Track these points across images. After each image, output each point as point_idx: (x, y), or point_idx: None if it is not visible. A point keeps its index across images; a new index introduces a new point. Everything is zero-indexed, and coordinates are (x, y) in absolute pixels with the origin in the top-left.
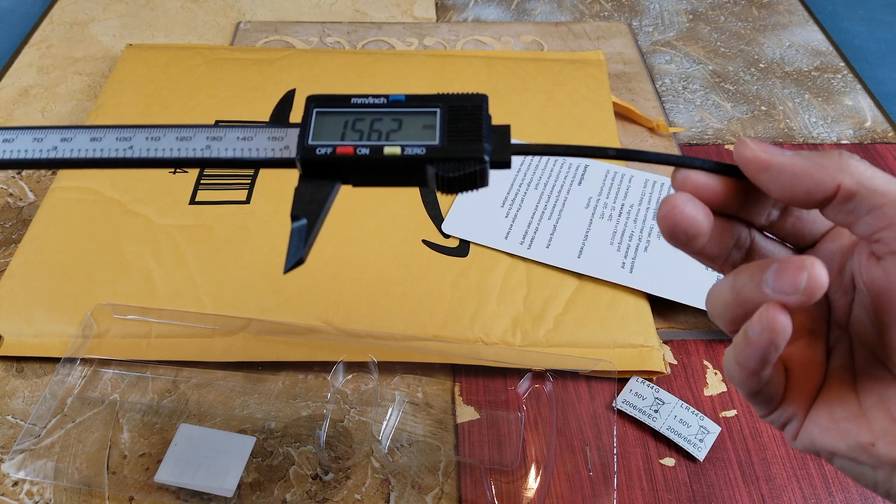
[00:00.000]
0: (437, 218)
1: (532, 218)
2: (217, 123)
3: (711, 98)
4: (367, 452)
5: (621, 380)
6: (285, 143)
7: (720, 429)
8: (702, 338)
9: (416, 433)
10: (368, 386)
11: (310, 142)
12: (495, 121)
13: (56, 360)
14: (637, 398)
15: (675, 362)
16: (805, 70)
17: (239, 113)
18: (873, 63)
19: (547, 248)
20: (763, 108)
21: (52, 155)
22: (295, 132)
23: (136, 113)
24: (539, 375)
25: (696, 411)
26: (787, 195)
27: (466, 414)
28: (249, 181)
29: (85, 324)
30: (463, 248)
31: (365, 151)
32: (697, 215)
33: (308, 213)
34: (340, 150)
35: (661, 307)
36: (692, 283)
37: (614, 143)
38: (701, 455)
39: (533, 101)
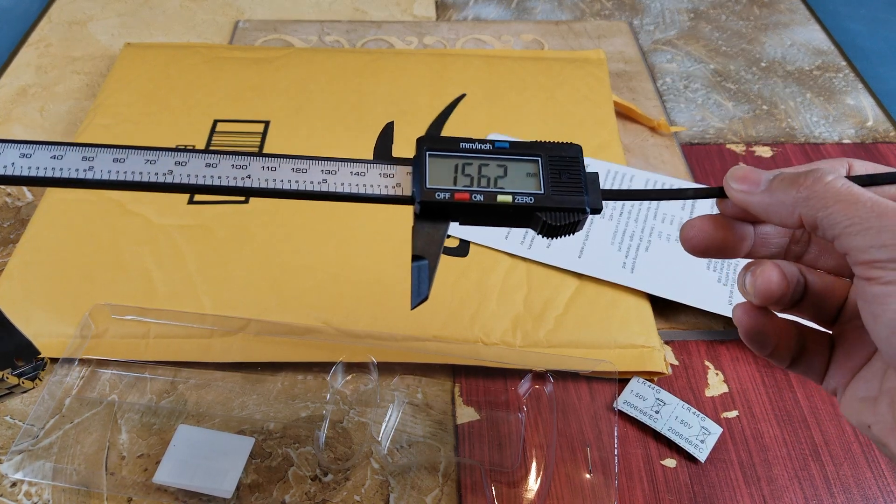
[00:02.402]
0: None
1: None
2: (217, 123)
3: (713, 97)
4: (367, 453)
5: (622, 380)
6: (396, 180)
7: (721, 430)
8: (703, 338)
9: (416, 434)
10: (368, 387)
11: (428, 185)
12: (494, 121)
13: (54, 361)
14: (638, 399)
15: (677, 363)
16: (807, 69)
17: (238, 112)
18: (875, 62)
19: (547, 248)
20: (764, 107)
21: (165, 179)
22: (403, 169)
23: (134, 112)
24: (539, 376)
25: (698, 412)
26: (776, 224)
27: (466, 415)
28: None
29: (83, 324)
30: (463, 248)
31: (479, 198)
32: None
33: (427, 252)
34: (458, 196)
35: (662, 307)
36: (693, 283)
37: (615, 143)
38: (702, 456)
39: (533, 101)
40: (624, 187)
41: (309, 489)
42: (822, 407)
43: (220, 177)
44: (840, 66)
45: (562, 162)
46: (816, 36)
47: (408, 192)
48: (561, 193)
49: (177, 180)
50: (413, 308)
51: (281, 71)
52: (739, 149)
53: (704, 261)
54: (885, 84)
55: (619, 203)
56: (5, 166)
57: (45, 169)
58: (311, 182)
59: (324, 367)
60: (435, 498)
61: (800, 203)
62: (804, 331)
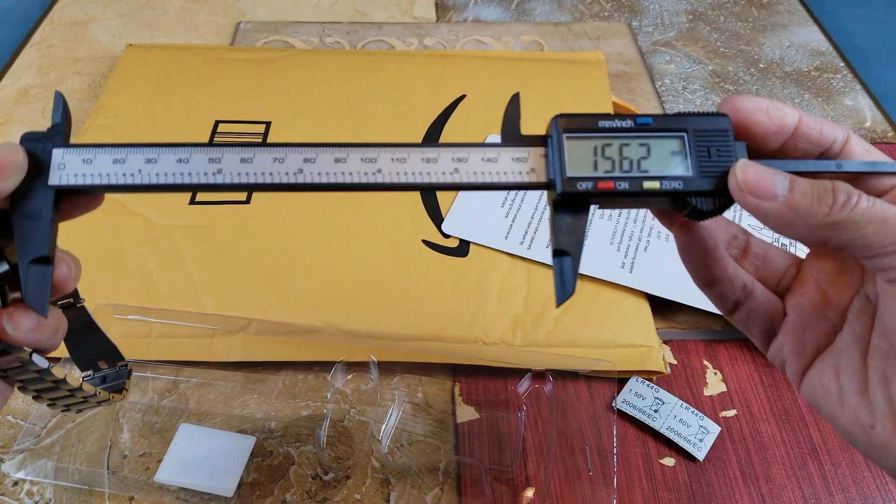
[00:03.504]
0: (437, 218)
1: (532, 218)
2: (219, 124)
3: (711, 98)
4: (367, 452)
5: (621, 380)
6: (529, 164)
7: (720, 429)
8: (701, 338)
9: (416, 433)
10: (368, 386)
11: (569, 174)
12: (494, 122)
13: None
14: (637, 398)
15: (675, 362)
16: (805, 70)
17: (239, 113)
18: (873, 63)
19: (547, 248)
20: None
21: (295, 179)
22: (536, 151)
23: (136, 113)
24: (539, 375)
25: (696, 411)
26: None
27: (466, 414)
28: None
29: None
30: (463, 248)
31: (625, 186)
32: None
33: (571, 245)
34: (602, 186)
35: (661, 307)
36: (692, 282)
37: None
38: (701, 455)
39: (533, 102)
40: None
41: (310, 488)
42: None
43: (350, 172)
44: (838, 67)
45: (709, 136)
46: (815, 37)
47: (542, 177)
48: (711, 174)
49: (308, 180)
50: (559, 305)
51: (282, 72)
52: None
53: None
54: (884, 85)
55: None
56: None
57: (108, 175)
58: (443, 172)
59: (324, 367)
60: (435, 496)
61: (828, 227)
62: (752, 284)
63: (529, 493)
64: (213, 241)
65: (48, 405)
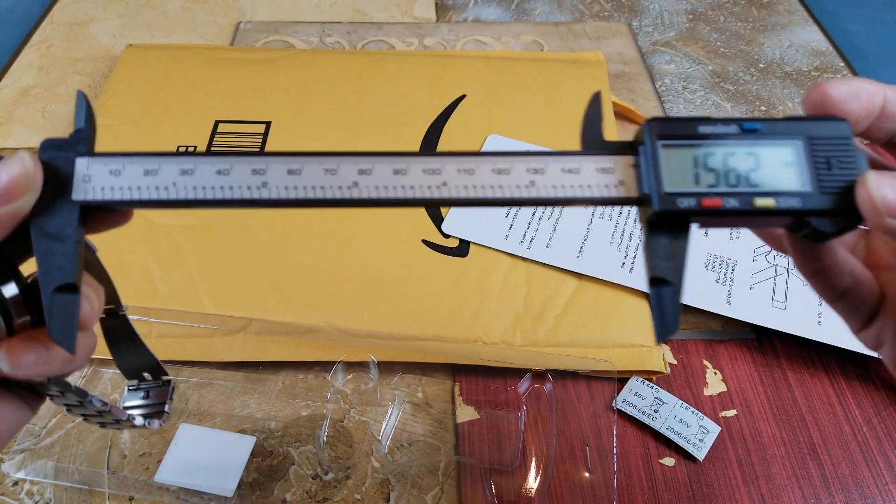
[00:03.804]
0: (437, 218)
1: (532, 218)
2: (219, 124)
3: (711, 98)
4: (367, 452)
5: (621, 380)
6: (617, 176)
7: (720, 428)
8: (701, 338)
9: (416, 433)
10: (368, 386)
11: (667, 189)
12: (494, 122)
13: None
14: (637, 398)
15: (675, 362)
16: (805, 70)
17: (239, 113)
18: (873, 63)
19: (547, 248)
20: (763, 108)
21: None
22: (623, 161)
23: (136, 113)
24: (539, 375)
25: (696, 411)
26: None
27: (466, 414)
28: None
29: None
30: (463, 248)
31: (734, 203)
32: None
33: (670, 272)
34: (707, 203)
35: None
36: (691, 283)
37: None
38: (701, 455)
39: (533, 102)
40: None
41: (310, 488)
42: (820, 406)
43: (411, 186)
44: (838, 67)
45: (827, 144)
46: (815, 37)
47: (633, 191)
48: (832, 189)
49: (396, 195)
50: (660, 343)
51: (282, 72)
52: None
53: (702, 260)
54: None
55: None
56: (103, 188)
57: (139, 189)
58: (517, 186)
59: (324, 367)
60: (435, 496)
61: None
62: (860, 269)
63: (529, 493)
64: (214, 241)
65: (82, 419)
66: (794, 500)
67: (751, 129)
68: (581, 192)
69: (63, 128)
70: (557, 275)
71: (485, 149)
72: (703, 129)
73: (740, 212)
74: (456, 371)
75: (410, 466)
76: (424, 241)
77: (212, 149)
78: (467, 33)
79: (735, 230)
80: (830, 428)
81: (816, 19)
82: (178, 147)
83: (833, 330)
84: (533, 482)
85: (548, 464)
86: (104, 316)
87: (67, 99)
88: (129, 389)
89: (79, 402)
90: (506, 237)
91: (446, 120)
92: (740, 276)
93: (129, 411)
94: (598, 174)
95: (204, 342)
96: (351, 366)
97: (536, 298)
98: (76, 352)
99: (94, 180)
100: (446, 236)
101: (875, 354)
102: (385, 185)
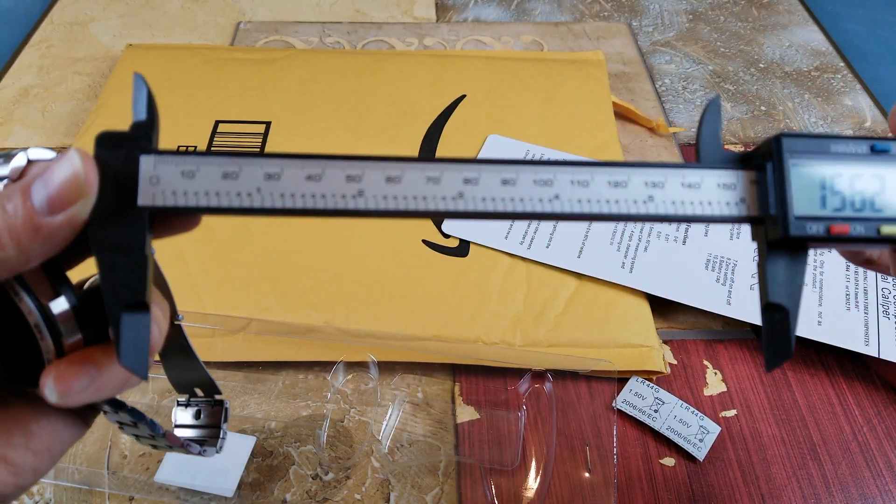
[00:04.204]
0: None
1: None
2: (219, 124)
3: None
4: (367, 452)
5: (621, 380)
6: (738, 193)
7: (720, 429)
8: (701, 338)
9: (416, 433)
10: (368, 386)
11: (796, 213)
12: (494, 122)
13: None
14: (637, 398)
15: (675, 362)
16: (805, 70)
17: (239, 113)
18: (873, 63)
19: (547, 248)
20: (763, 108)
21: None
22: (744, 176)
23: None
24: (539, 375)
25: (696, 411)
26: None
27: (466, 414)
28: None
29: None
30: (463, 248)
31: (860, 231)
32: None
33: (788, 297)
34: (836, 230)
35: (661, 307)
36: (692, 282)
37: (614, 144)
38: (701, 455)
39: (533, 102)
40: None
41: (310, 488)
42: (820, 406)
43: (521, 199)
44: (838, 67)
45: None
46: (815, 37)
47: (753, 209)
48: None
49: (504, 208)
50: (769, 371)
51: (282, 72)
52: (738, 149)
53: (703, 260)
54: (884, 85)
55: None
56: (176, 192)
57: (217, 194)
58: (634, 201)
59: (324, 367)
60: (435, 496)
61: None
62: None
63: (529, 493)
64: (214, 240)
65: (134, 437)
66: (794, 500)
67: (882, 149)
68: (701, 209)
69: (63, 128)
70: (557, 275)
71: (484, 149)
72: (836, 147)
73: (864, 239)
74: (456, 371)
75: (410, 466)
76: (424, 241)
77: (212, 149)
78: (467, 33)
79: (736, 230)
80: (830, 428)
81: (816, 19)
82: (178, 147)
83: (833, 330)
84: (533, 482)
85: (548, 464)
86: None
87: (67, 99)
88: (179, 405)
89: (133, 422)
90: (506, 237)
91: (446, 120)
92: (740, 276)
93: (181, 432)
94: (719, 190)
95: (204, 342)
96: (351, 366)
97: (536, 298)
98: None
99: (163, 182)
100: (446, 236)
101: (875, 354)
102: (493, 197)
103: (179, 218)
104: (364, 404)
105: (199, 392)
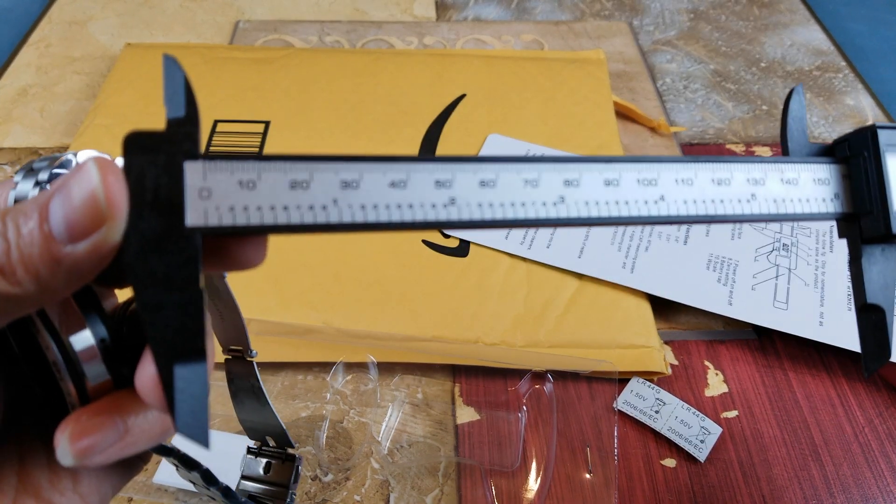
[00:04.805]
0: None
1: None
2: (217, 124)
3: (712, 97)
4: (367, 453)
5: (622, 380)
6: (833, 188)
7: (721, 430)
8: (703, 338)
9: (416, 434)
10: (368, 387)
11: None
12: (494, 121)
13: None
14: (638, 399)
15: (676, 363)
16: (806, 69)
17: (238, 113)
18: (875, 62)
19: (547, 248)
20: (764, 107)
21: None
22: (835, 170)
23: (135, 112)
24: (539, 376)
25: (697, 412)
26: None
27: (466, 415)
28: None
29: None
30: (463, 248)
31: None
32: None
33: (885, 297)
34: None
35: (662, 307)
36: (693, 283)
37: (615, 143)
38: (702, 456)
39: (533, 101)
40: None
41: (309, 489)
42: (821, 407)
43: (626, 202)
44: (840, 67)
45: None
46: (816, 36)
47: (848, 206)
48: None
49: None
50: (868, 375)
51: (281, 71)
52: (739, 149)
53: (704, 261)
54: (885, 84)
55: None
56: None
57: (285, 209)
58: (738, 200)
59: (324, 367)
60: (435, 498)
61: None
62: None
63: (530, 494)
64: None
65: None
66: (795, 501)
67: None
68: (799, 206)
69: (62, 127)
70: (558, 275)
71: (484, 148)
72: None
73: None
74: (456, 372)
75: (410, 468)
76: (424, 242)
77: (210, 150)
78: (467, 32)
79: (737, 229)
80: (832, 429)
81: (818, 18)
82: None
83: (835, 330)
84: (533, 483)
85: (548, 465)
86: (229, 357)
87: (66, 98)
88: (249, 452)
89: (204, 484)
90: (506, 237)
91: (446, 119)
92: (742, 276)
93: (247, 485)
94: (814, 186)
95: None
96: (350, 366)
97: (537, 299)
98: (160, 425)
99: (216, 196)
100: (446, 236)
101: None
102: (597, 201)
103: (239, 243)
104: (363, 405)
105: (270, 441)
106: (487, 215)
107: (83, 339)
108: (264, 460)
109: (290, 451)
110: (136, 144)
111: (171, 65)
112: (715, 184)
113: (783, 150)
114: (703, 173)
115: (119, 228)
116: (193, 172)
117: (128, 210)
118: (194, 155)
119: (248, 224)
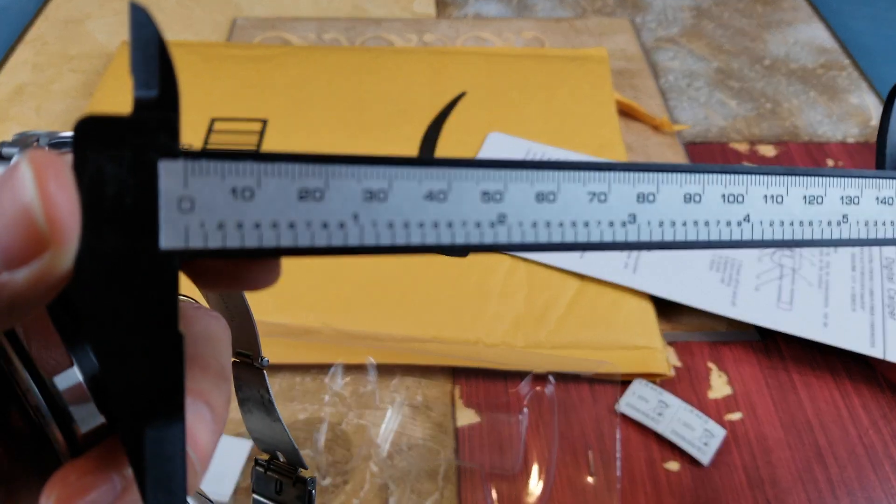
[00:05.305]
0: None
1: None
2: (215, 122)
3: (716, 95)
4: (366, 456)
5: (624, 382)
6: None
7: (725, 432)
8: (706, 340)
9: (416, 437)
10: (367, 388)
11: None
12: (495, 120)
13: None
14: (640, 401)
15: (679, 364)
16: (810, 67)
17: (235, 111)
18: (878, 60)
19: None
20: (768, 105)
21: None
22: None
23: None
24: (540, 378)
25: (701, 414)
26: None
27: (466, 417)
28: None
29: None
30: (463, 248)
31: None
32: None
33: None
34: None
35: (665, 308)
36: (696, 284)
37: (617, 142)
38: (706, 459)
39: (534, 99)
40: None
41: None
42: (826, 409)
43: (705, 222)
44: (844, 65)
45: None
46: (820, 34)
47: None
48: None
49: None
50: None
51: (279, 69)
52: (743, 147)
53: (706, 262)
54: (889, 82)
55: None
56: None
57: (292, 228)
58: (828, 222)
59: (322, 369)
60: (434, 501)
61: None
62: None
63: (531, 498)
64: None
65: None
66: (799, 503)
67: None
68: (893, 230)
69: (58, 126)
70: (559, 275)
71: (485, 147)
72: None
73: None
74: (456, 373)
75: (409, 471)
76: None
77: (207, 148)
78: (467, 30)
79: None
80: (836, 431)
81: (822, 16)
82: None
83: (839, 331)
84: (534, 487)
85: (550, 468)
86: (237, 360)
87: (62, 97)
88: (258, 465)
89: None
90: None
91: (446, 117)
92: (745, 276)
93: (260, 499)
94: (877, 205)
95: None
96: (349, 368)
97: (538, 299)
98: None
99: (201, 208)
100: None
101: (881, 356)
102: (673, 221)
103: (243, 264)
104: (362, 407)
105: (280, 457)
106: (543, 237)
107: (69, 378)
108: (273, 481)
109: (303, 472)
110: (91, 135)
111: (141, 17)
112: (806, 202)
113: (878, 162)
114: (796, 189)
115: (68, 253)
116: (171, 176)
117: (80, 227)
118: (173, 152)
119: (243, 247)
